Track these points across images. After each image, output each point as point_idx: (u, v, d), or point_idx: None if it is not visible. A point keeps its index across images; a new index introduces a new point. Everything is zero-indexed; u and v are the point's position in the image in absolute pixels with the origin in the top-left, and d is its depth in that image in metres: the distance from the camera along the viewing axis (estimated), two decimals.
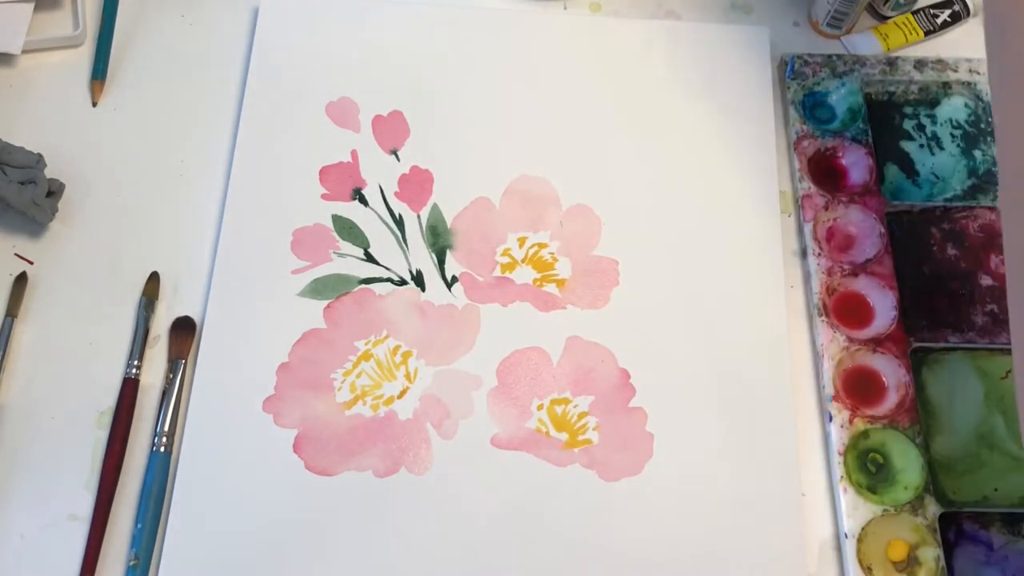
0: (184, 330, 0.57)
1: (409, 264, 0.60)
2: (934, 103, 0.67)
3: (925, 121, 0.67)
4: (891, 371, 0.58)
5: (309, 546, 0.53)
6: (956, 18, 0.70)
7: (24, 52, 0.64)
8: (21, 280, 0.58)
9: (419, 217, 0.61)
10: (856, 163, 0.64)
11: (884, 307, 0.60)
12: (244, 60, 0.65)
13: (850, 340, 0.59)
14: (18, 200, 0.57)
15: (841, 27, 0.69)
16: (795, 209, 0.63)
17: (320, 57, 0.65)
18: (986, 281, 0.62)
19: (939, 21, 0.70)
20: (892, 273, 0.60)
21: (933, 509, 0.54)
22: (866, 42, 0.69)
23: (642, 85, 0.66)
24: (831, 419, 0.57)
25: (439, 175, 0.62)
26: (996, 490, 0.56)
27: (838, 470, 0.55)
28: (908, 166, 0.65)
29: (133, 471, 0.54)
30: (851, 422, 0.56)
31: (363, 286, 0.59)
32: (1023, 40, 0.41)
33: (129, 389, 0.55)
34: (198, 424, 0.55)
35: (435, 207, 0.62)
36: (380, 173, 0.62)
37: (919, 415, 0.57)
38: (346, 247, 0.60)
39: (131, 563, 0.52)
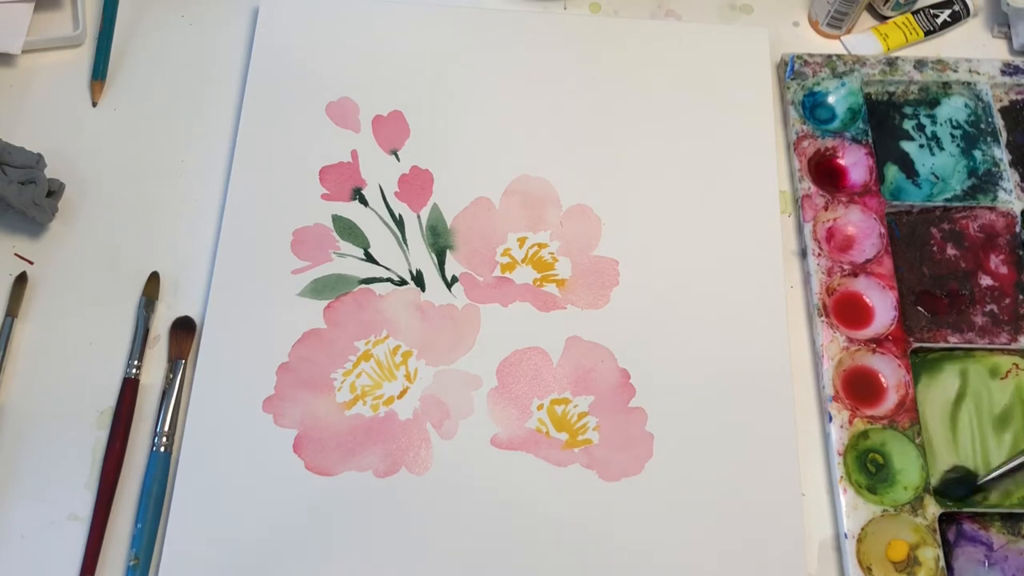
0: (184, 330, 0.57)
1: (409, 264, 0.60)
2: (934, 103, 0.67)
3: (925, 121, 0.67)
4: (891, 371, 0.58)
5: (309, 546, 0.53)
6: (956, 18, 0.70)
7: (24, 52, 0.64)
8: (21, 280, 0.58)
9: (419, 217, 0.61)
10: (856, 163, 0.64)
11: (884, 307, 0.60)
12: (244, 60, 0.65)
13: (850, 340, 0.59)
14: (18, 200, 0.57)
15: (841, 27, 0.69)
16: (795, 209, 0.63)
17: (320, 57, 0.65)
18: (986, 281, 0.62)
19: (939, 21, 0.70)
20: (892, 273, 0.60)
21: (933, 509, 0.54)
22: (866, 42, 0.69)
23: (642, 85, 0.66)
24: (831, 419, 0.57)
25: (439, 175, 0.62)
26: (995, 490, 0.56)
27: (838, 470, 0.55)
28: (908, 166, 0.65)
29: (133, 471, 0.54)
30: (851, 422, 0.56)
31: (363, 286, 0.59)
32: None
33: (129, 389, 0.55)
34: (198, 424, 0.55)
35: (435, 207, 0.62)
36: (380, 173, 0.62)
37: (918, 415, 0.57)
38: (346, 247, 0.60)
39: (131, 563, 0.52)
